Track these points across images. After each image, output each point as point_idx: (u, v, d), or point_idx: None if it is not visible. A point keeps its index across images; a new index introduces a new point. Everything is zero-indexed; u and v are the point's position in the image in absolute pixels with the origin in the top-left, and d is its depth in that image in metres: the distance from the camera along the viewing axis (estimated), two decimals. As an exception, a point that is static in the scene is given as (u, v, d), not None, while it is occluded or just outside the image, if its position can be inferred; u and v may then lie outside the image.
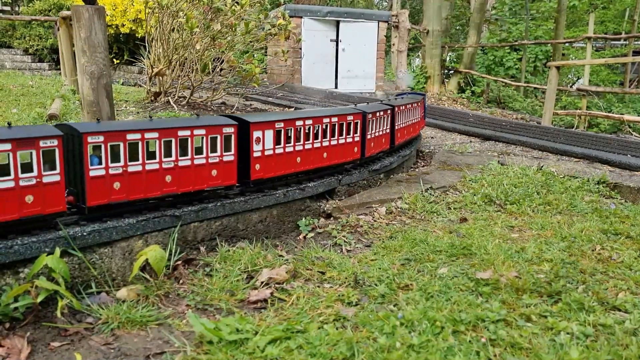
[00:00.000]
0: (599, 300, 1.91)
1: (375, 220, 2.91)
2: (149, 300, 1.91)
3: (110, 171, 2.00)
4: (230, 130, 2.38)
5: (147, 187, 2.12)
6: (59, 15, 7.64)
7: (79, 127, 1.93)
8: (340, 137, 3.05)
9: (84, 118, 2.92)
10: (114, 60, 12.22)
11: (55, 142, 1.81)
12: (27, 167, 1.77)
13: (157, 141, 2.12)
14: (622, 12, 18.31)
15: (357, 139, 3.20)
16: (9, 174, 1.72)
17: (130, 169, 2.05)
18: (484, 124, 6.85)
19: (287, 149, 2.70)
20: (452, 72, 14.41)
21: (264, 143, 2.55)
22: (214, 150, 2.33)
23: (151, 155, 2.12)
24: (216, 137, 2.32)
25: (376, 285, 2.04)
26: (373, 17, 11.96)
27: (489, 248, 2.41)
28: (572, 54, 16.80)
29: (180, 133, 2.19)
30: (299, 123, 2.74)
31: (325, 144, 2.94)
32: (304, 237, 2.72)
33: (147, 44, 5.46)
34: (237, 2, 5.18)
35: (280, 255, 2.39)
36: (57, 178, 1.84)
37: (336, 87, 11.88)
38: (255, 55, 7.39)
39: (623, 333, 1.67)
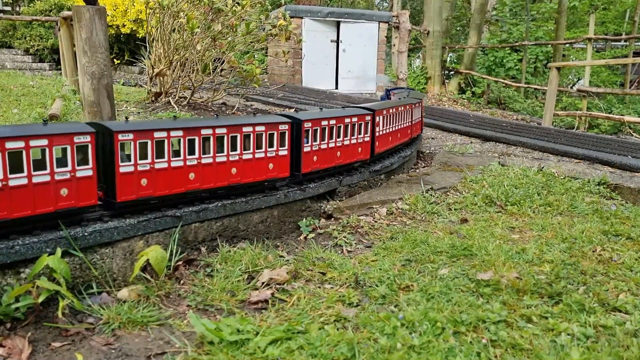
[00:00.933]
0: (600, 301, 1.91)
1: (376, 221, 2.91)
2: (149, 300, 1.92)
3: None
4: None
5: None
6: (59, 16, 7.64)
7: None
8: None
9: (84, 118, 2.92)
10: (115, 60, 12.24)
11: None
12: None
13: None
14: (623, 13, 18.30)
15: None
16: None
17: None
18: (484, 125, 6.84)
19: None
20: (452, 72, 14.42)
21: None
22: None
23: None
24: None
25: (377, 286, 2.04)
26: (374, 18, 11.98)
27: (490, 249, 2.41)
28: (573, 54, 16.78)
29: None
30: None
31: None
32: (305, 238, 2.72)
33: (147, 45, 5.46)
34: (237, 3, 5.18)
35: (281, 256, 2.39)
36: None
37: (337, 88, 11.89)
38: (255, 56, 7.41)
39: (624, 334, 1.67)
